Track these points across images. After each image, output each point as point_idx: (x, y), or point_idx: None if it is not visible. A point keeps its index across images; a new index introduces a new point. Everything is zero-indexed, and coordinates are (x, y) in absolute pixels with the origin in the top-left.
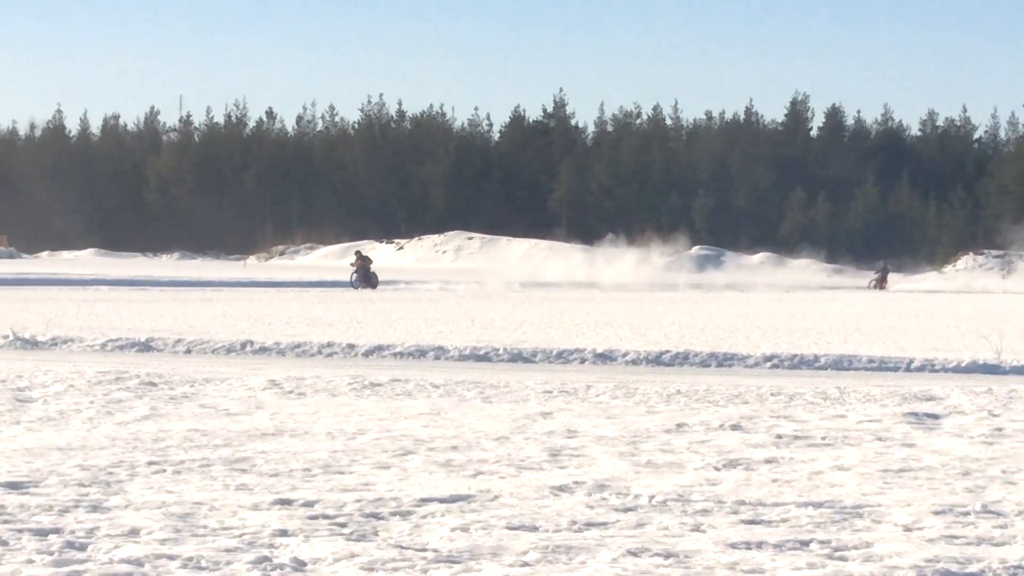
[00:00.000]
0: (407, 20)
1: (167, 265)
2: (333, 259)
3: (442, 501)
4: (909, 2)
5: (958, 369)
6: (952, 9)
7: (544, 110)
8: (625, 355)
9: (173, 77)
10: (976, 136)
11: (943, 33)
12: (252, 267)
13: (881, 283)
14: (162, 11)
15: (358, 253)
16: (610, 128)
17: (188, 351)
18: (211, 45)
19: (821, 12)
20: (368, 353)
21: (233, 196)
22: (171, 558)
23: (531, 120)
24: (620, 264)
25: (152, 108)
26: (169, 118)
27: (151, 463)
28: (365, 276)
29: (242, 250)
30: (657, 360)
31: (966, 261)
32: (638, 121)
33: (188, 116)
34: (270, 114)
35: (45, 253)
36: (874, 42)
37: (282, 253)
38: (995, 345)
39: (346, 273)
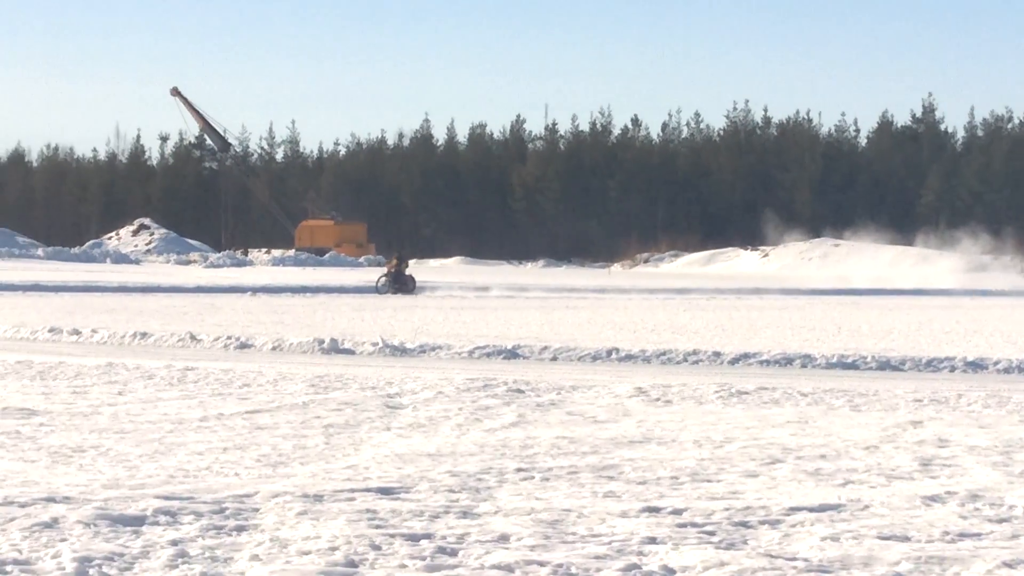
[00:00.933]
0: (773, 25)
1: (532, 273)
2: (697, 266)
3: (811, 510)
4: None
5: None
6: None
7: (912, 115)
8: (997, 363)
9: (539, 86)
10: None
11: None
12: (616, 274)
13: None
14: (526, 21)
15: (396, 255)
16: (980, 133)
17: (554, 358)
18: (575, 53)
19: None
20: (734, 361)
21: (597, 204)
22: (541, 564)
23: (899, 125)
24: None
25: (518, 116)
26: (534, 126)
27: (519, 470)
28: (397, 279)
29: (606, 257)
30: None
31: None
32: (1009, 126)
33: (553, 124)
34: (635, 121)
35: (413, 261)
36: None
37: (646, 260)
38: None
39: (702, 280)
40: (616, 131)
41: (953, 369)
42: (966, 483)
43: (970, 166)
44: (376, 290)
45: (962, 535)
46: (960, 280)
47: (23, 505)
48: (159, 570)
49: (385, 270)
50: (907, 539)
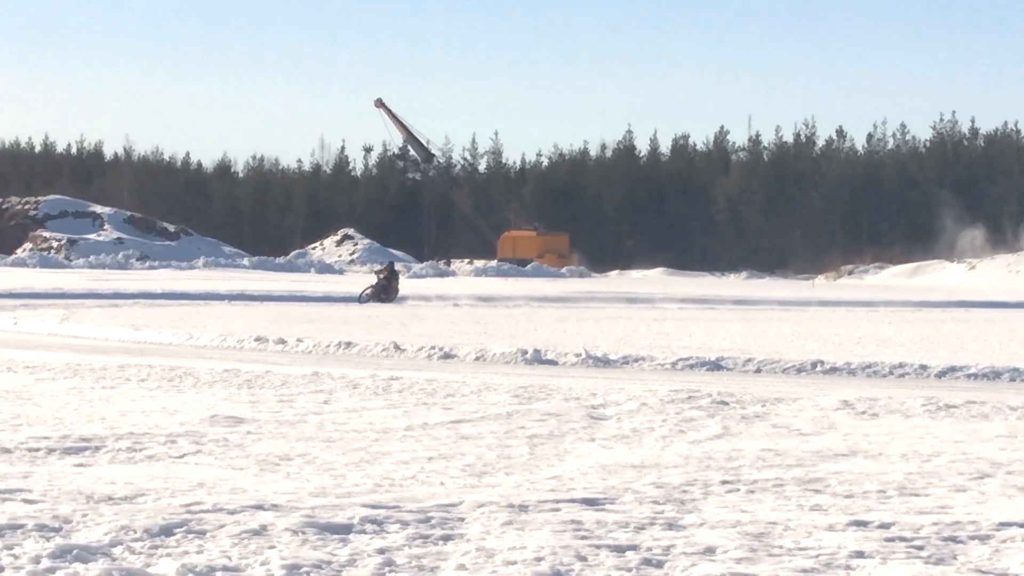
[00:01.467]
0: (980, 34)
1: (734, 284)
2: (902, 279)
3: (1022, 526)
4: None
5: None
6: None
7: None
8: None
9: (742, 97)
10: None
11: None
12: (820, 286)
13: None
14: (728, 32)
15: (386, 268)
16: None
17: (758, 370)
18: (779, 64)
19: None
20: (941, 374)
21: (801, 215)
22: None
23: None
24: None
25: (721, 127)
26: (738, 137)
27: (724, 482)
28: (383, 291)
29: (810, 269)
30: None
31: None
32: None
33: (757, 135)
34: (840, 133)
35: (614, 272)
36: None
37: (850, 272)
38: None
39: (905, 292)
40: (820, 142)
41: None
42: None
43: None
44: (359, 300)
45: None
46: None
47: (232, 512)
48: None
49: (374, 281)
50: None
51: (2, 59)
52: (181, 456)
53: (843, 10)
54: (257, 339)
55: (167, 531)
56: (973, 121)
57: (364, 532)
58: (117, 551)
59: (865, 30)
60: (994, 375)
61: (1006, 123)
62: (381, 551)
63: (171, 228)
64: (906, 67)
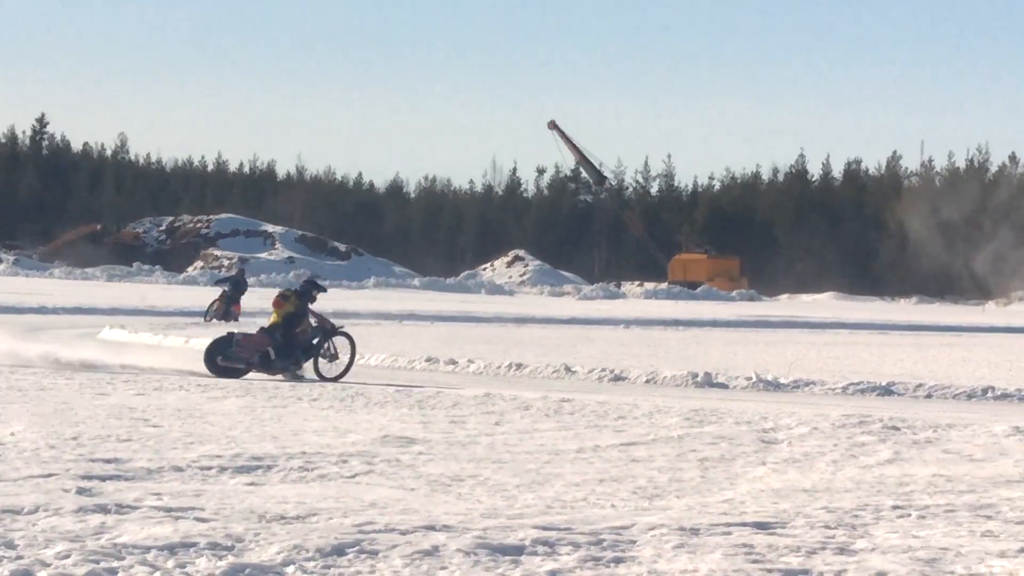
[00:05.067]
0: None
1: (905, 309)
2: None
3: None
4: None
5: None
6: None
7: None
8: None
9: (915, 121)
10: None
11: None
12: (991, 312)
13: None
14: (898, 57)
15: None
16: None
17: (928, 396)
18: (953, 89)
19: None
20: None
21: (974, 240)
22: None
23: None
24: None
25: (894, 152)
26: (910, 163)
27: (895, 507)
28: (224, 313)
29: (981, 295)
30: None
31: None
32: None
33: (930, 160)
34: (1012, 158)
35: (785, 296)
36: None
37: (1021, 298)
38: None
39: None
40: (993, 167)
41: None
42: None
43: None
44: (204, 316)
45: None
46: None
47: (404, 533)
48: None
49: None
50: None
51: (176, 80)
52: (353, 476)
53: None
54: (428, 359)
55: (339, 551)
56: None
57: (536, 554)
58: (289, 570)
59: None
60: None
61: None
62: (553, 573)
63: (342, 248)
64: None
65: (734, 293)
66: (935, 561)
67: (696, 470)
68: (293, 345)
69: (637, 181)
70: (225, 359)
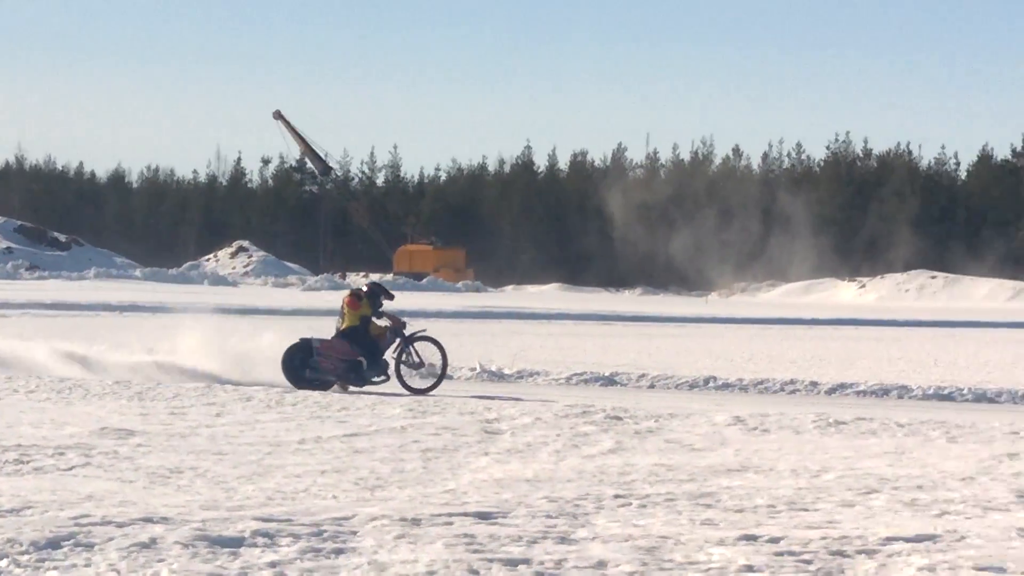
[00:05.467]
0: (869, 57)
1: (629, 300)
2: (795, 296)
3: (908, 540)
4: None
5: None
6: None
7: (1013, 149)
8: None
9: (640, 114)
10: None
11: None
12: (714, 303)
13: None
14: (625, 52)
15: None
16: None
17: (651, 386)
18: (675, 83)
19: None
20: (831, 391)
21: (696, 232)
22: None
23: (999, 159)
24: None
25: (619, 145)
26: (635, 155)
27: (617, 496)
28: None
29: (703, 286)
30: None
31: None
32: None
33: (654, 153)
34: (736, 151)
35: (510, 287)
36: None
37: (743, 290)
38: None
39: (802, 310)
40: (717, 160)
41: None
42: None
43: None
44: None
45: None
46: None
47: (120, 525)
48: None
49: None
50: (1003, 571)
51: None
52: (70, 469)
53: (739, 30)
54: (149, 351)
55: (54, 544)
56: (866, 141)
57: (255, 546)
58: (3, 564)
59: (761, 51)
60: (883, 392)
61: (898, 144)
62: (273, 564)
63: (62, 238)
64: (802, 87)
65: (459, 284)
66: (655, 549)
67: (419, 461)
68: (378, 352)
69: (363, 172)
70: (313, 372)
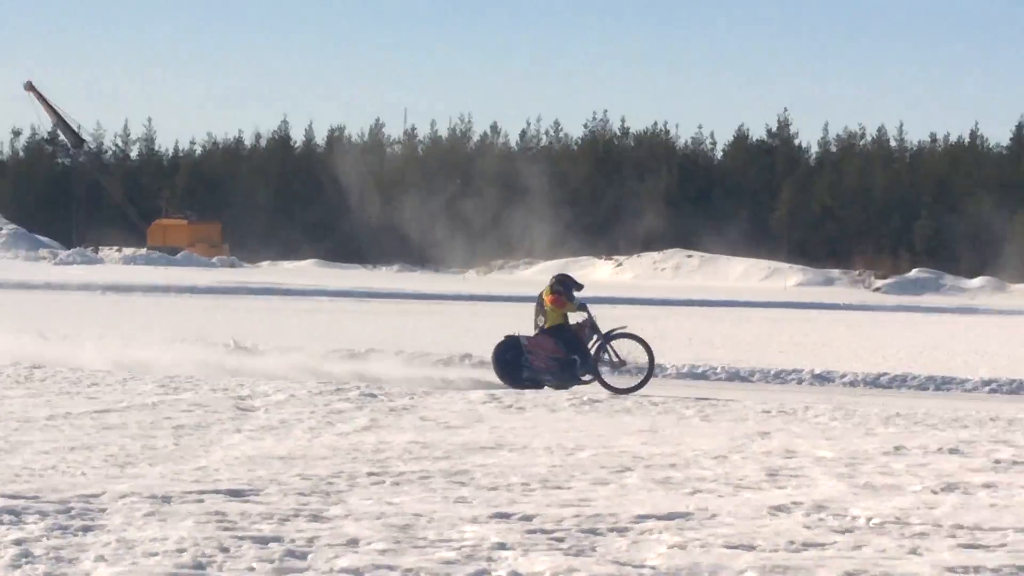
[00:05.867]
0: (634, 36)
1: (387, 277)
2: (552, 274)
3: (660, 518)
4: None
5: None
6: None
7: (768, 130)
8: (843, 376)
9: (399, 89)
10: None
11: None
12: (472, 280)
13: None
14: (384, 24)
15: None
16: (834, 149)
17: (408, 363)
18: (436, 59)
19: None
20: None
21: (455, 209)
22: (390, 568)
23: (755, 139)
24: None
25: (377, 120)
26: (394, 131)
27: (371, 474)
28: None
29: (462, 263)
30: (875, 382)
31: None
32: (862, 142)
33: (413, 129)
34: (494, 128)
35: (266, 263)
36: None
37: (501, 267)
38: None
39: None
40: (475, 138)
41: (800, 381)
42: (812, 493)
43: (822, 181)
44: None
45: (807, 544)
46: (809, 293)
47: None
48: (1, 570)
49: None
50: (753, 548)
51: None
52: None
53: (498, 5)
54: None
55: None
56: (624, 120)
57: (1, 523)
58: None
59: (520, 28)
60: (638, 371)
61: (656, 123)
62: (18, 542)
63: None
64: (560, 66)
65: (214, 259)
66: (408, 527)
67: (170, 438)
68: (585, 350)
69: (116, 145)
70: (529, 371)
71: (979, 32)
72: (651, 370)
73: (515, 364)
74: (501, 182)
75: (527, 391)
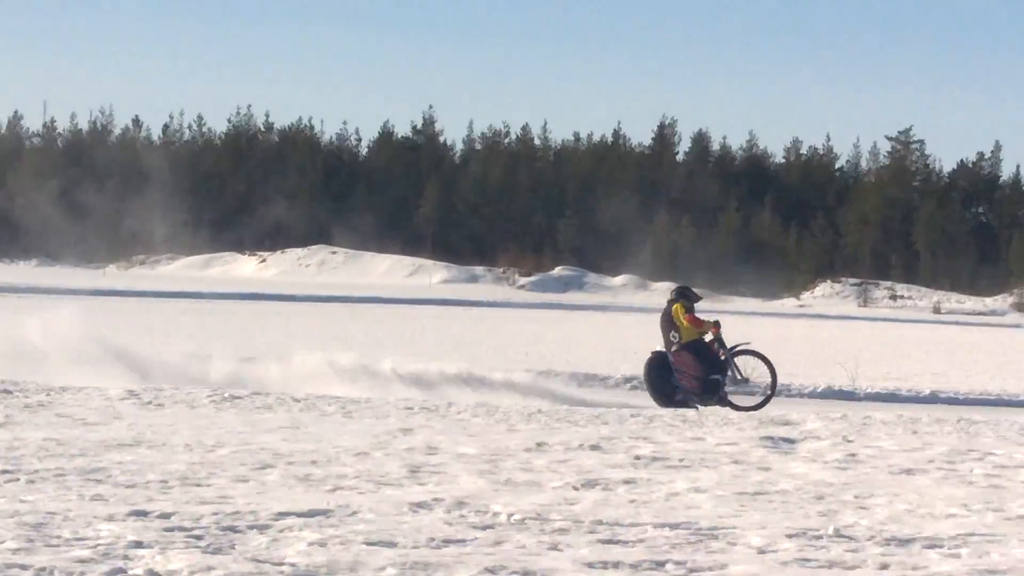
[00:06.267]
0: (277, 30)
1: (23, 272)
2: (196, 270)
3: (300, 515)
4: (776, 31)
5: (814, 394)
6: (818, 39)
7: (413, 127)
8: (490, 373)
9: (39, 81)
10: (838, 165)
11: (809, 62)
12: (112, 276)
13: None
14: (26, 15)
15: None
16: (479, 146)
17: (39, 361)
18: (76, 50)
19: (691, 38)
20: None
21: (96, 204)
22: (23, 568)
23: (400, 136)
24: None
25: (15, 112)
26: (33, 123)
27: (4, 472)
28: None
29: (103, 258)
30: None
31: (824, 288)
32: (506, 140)
33: (52, 122)
34: (136, 122)
35: None
36: (741, 69)
37: (142, 262)
38: (850, 372)
39: (205, 284)
40: (117, 131)
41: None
42: (453, 490)
43: (467, 179)
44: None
45: (447, 541)
46: (454, 290)
47: None
48: None
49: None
50: (393, 545)
51: None
52: None
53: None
54: None
55: None
56: (268, 115)
57: None
58: None
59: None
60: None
61: (300, 119)
62: None
63: None
64: (202, 60)
65: None
66: (41, 526)
67: None
68: (721, 368)
69: None
70: (680, 393)
71: (622, 32)
72: (774, 388)
73: (665, 381)
74: (143, 176)
75: None
